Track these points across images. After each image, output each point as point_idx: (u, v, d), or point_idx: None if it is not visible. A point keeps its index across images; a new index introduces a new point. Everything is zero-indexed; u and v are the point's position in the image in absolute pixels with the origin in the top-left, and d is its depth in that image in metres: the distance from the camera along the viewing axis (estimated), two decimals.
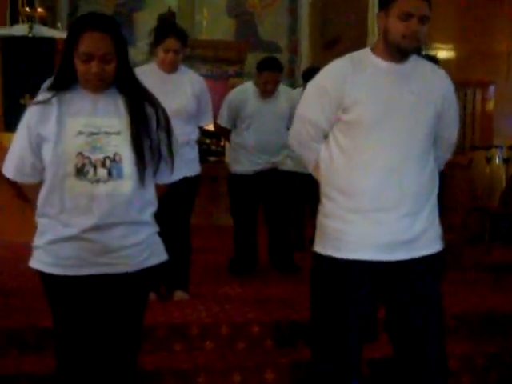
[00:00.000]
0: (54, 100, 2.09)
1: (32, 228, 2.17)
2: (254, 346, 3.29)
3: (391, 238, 2.27)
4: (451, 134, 2.45)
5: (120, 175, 2.06)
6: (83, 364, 2.13)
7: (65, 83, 2.11)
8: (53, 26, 7.37)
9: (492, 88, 6.92)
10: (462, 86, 6.75)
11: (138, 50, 9.29)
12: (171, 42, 3.63)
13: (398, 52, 2.26)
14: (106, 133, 2.07)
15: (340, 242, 2.30)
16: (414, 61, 2.33)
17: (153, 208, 2.19)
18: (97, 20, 2.07)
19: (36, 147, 2.09)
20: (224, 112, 4.64)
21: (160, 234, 2.25)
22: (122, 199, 2.06)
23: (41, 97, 2.13)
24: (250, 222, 4.64)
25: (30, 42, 5.70)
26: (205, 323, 3.32)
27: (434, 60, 4.19)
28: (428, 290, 2.35)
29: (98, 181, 2.04)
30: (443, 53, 6.94)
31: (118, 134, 2.08)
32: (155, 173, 2.16)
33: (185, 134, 3.59)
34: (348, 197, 2.29)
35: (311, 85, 2.41)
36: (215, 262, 4.94)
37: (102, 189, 2.04)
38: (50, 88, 2.13)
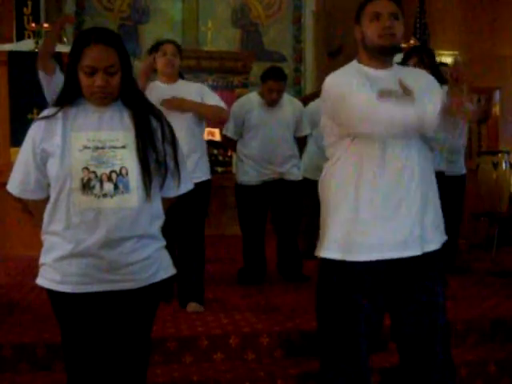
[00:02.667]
0: (59, 115, 2.09)
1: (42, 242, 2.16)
2: (264, 356, 3.28)
3: (402, 234, 2.29)
4: None
5: (126, 189, 2.06)
6: (93, 378, 2.13)
7: (70, 98, 2.11)
8: (59, 40, 7.41)
9: (497, 93, 6.91)
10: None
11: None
12: (168, 47, 3.85)
13: (378, 53, 2.33)
14: (112, 147, 2.06)
15: (350, 245, 2.31)
16: (396, 67, 2.45)
17: (160, 221, 2.18)
18: (100, 34, 2.08)
19: (40, 162, 2.09)
20: (230, 123, 4.65)
21: (171, 245, 2.24)
22: (129, 213, 2.06)
23: (46, 112, 2.13)
24: (258, 232, 4.64)
25: (36, 56, 5.73)
26: (214, 334, 3.32)
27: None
28: (434, 291, 2.37)
29: (104, 195, 2.04)
30: (448, 59, 6.94)
31: (123, 147, 2.08)
32: (161, 186, 2.16)
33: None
34: (360, 202, 2.30)
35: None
36: (223, 272, 4.94)
37: (109, 203, 2.04)
38: (55, 103, 2.14)
